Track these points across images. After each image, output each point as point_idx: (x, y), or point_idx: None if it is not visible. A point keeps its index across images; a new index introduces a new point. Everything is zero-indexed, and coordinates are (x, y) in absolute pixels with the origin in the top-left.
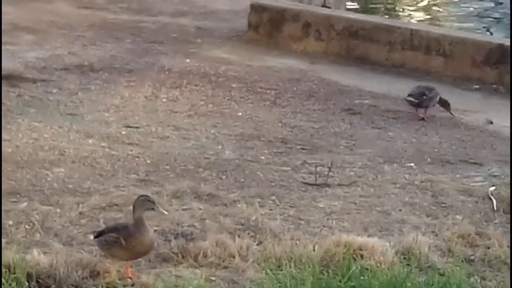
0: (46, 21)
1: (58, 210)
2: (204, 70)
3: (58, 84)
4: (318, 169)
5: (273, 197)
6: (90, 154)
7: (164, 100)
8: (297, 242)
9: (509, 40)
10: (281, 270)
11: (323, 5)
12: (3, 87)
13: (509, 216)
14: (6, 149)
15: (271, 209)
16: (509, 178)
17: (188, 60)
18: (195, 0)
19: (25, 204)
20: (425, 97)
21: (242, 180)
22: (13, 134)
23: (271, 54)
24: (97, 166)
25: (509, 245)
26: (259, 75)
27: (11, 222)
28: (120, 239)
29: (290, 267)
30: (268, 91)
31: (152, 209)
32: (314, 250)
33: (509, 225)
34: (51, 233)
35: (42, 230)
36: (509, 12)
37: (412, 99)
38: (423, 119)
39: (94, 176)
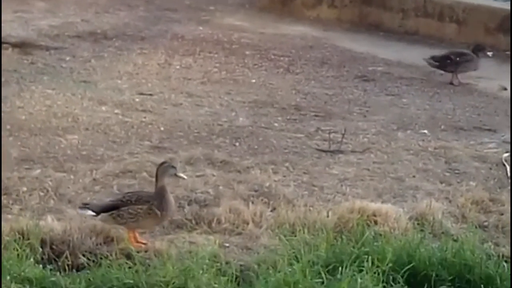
0: None
1: (71, 177)
2: (217, 37)
3: (71, 51)
4: (331, 135)
5: (287, 164)
6: (103, 121)
7: (178, 67)
8: (311, 208)
9: None
10: (295, 236)
11: None
12: (16, 55)
13: None
14: (19, 116)
15: (284, 176)
16: None
17: (201, 28)
18: None
19: (38, 171)
20: (449, 61)
21: (256, 147)
22: (26, 102)
23: (284, 22)
24: (111, 133)
25: None
26: (272, 43)
27: (25, 189)
28: (154, 210)
29: (303, 233)
30: (281, 58)
31: (175, 174)
32: (328, 216)
33: None
34: (65, 199)
35: (56, 197)
36: None
37: (431, 61)
38: (451, 83)
39: (108, 143)
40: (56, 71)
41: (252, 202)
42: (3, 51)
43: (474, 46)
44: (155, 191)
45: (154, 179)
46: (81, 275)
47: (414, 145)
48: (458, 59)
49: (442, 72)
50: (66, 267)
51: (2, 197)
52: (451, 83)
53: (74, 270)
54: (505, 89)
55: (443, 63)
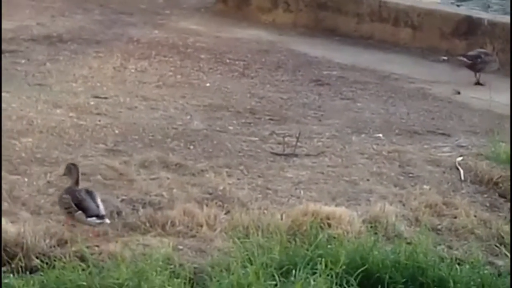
0: None
1: (25, 180)
2: (172, 41)
3: (26, 55)
4: (286, 139)
5: (241, 167)
6: (58, 124)
7: (133, 71)
8: (265, 211)
9: (476, 12)
10: (249, 239)
11: None
12: None
13: (476, 186)
14: None
15: (239, 179)
16: (476, 149)
17: (156, 31)
18: None
19: None
20: (479, 59)
21: (210, 150)
22: None
23: (239, 26)
24: (65, 136)
25: (476, 214)
26: (227, 46)
27: None
28: None
29: (257, 236)
30: (236, 62)
31: None
32: (281, 219)
33: (476, 195)
34: (19, 202)
35: (10, 199)
36: None
37: (465, 59)
38: (478, 83)
39: (62, 146)
40: (10, 74)
41: (206, 205)
42: None
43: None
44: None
45: (107, 182)
46: (34, 277)
47: (369, 149)
48: (486, 58)
49: (397, 76)
50: (20, 269)
51: None
52: (478, 83)
53: (27, 273)
54: (459, 93)
55: (474, 61)
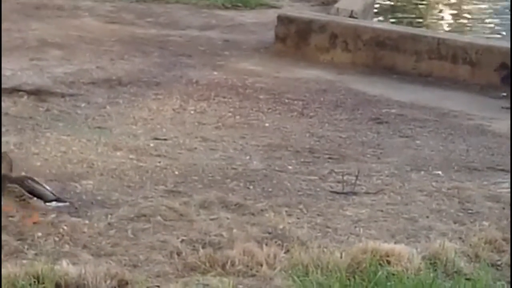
0: (73, 36)
1: (86, 222)
2: (231, 82)
3: (86, 98)
4: (345, 177)
5: (301, 206)
6: (118, 166)
7: (192, 112)
8: (324, 249)
9: None
10: (308, 277)
11: (350, 16)
12: (32, 102)
13: None
14: (35, 162)
15: (298, 218)
16: None
17: (215, 73)
18: (222, 14)
19: (53, 215)
20: None
21: (270, 189)
22: (41, 148)
23: (298, 66)
24: (125, 178)
25: None
26: (286, 86)
27: (40, 234)
28: None
29: (317, 274)
30: (295, 102)
31: None
32: (341, 257)
33: None
34: (80, 244)
35: (71, 241)
36: None
37: None
38: None
39: (122, 187)
40: (71, 118)
41: (266, 244)
42: (18, 99)
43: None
44: None
45: (167, 222)
46: None
47: (428, 186)
48: None
49: (456, 113)
50: None
51: (17, 242)
52: None
53: None
54: None
55: None
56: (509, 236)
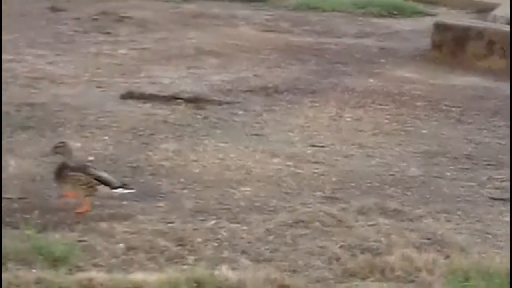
0: (230, 45)
1: (245, 228)
2: (387, 89)
3: (243, 105)
4: (503, 184)
5: (459, 212)
6: (275, 173)
7: (348, 119)
8: (484, 255)
9: None
10: (468, 283)
11: (508, 23)
12: (190, 110)
13: None
14: (193, 169)
15: (457, 224)
16: None
17: (371, 80)
18: (378, 21)
19: (213, 222)
20: None
21: (427, 196)
22: (200, 155)
23: (454, 73)
24: (283, 185)
25: None
26: (443, 93)
27: (199, 240)
28: None
29: (477, 280)
30: (452, 109)
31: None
32: (501, 263)
33: None
34: (239, 250)
35: (230, 247)
36: None
37: None
38: None
39: (280, 194)
40: (228, 125)
41: (425, 250)
42: (176, 107)
43: None
44: None
45: (326, 228)
46: None
47: None
48: None
49: None
50: None
51: (177, 248)
52: None
53: None
54: None
55: None
56: None
